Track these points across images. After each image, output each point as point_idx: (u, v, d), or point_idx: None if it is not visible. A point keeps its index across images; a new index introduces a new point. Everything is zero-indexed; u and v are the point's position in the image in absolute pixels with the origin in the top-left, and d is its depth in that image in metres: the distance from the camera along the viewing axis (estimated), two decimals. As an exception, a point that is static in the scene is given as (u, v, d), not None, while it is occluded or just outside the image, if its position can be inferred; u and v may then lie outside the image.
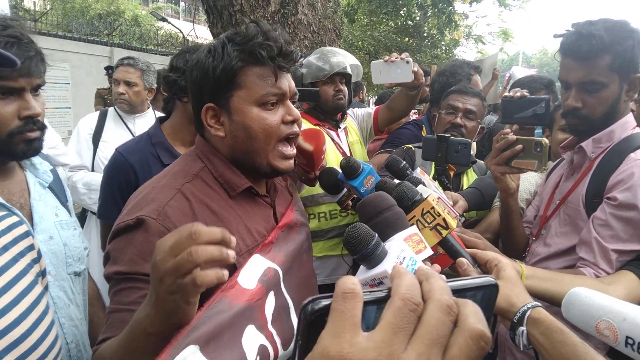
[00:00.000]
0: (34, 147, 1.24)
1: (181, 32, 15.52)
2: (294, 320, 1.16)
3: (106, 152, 2.74)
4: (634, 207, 1.36)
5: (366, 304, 0.40)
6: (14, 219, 0.93)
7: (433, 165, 2.02)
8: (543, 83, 2.43)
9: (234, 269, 0.99)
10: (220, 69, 1.11)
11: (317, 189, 1.93)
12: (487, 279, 0.47)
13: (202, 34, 16.19)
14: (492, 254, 1.01)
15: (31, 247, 0.92)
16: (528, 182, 1.93)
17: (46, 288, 1.03)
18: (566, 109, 1.56)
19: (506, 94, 1.89)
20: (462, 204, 1.76)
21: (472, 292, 0.45)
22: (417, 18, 14.15)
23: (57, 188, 1.42)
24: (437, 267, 0.93)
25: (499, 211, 1.73)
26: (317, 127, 2.29)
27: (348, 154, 2.50)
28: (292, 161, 1.21)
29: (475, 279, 0.46)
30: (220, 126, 1.15)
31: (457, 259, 0.98)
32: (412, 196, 1.02)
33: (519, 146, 1.55)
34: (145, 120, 3.03)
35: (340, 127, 2.54)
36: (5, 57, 0.72)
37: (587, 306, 0.80)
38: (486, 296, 0.47)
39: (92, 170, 2.73)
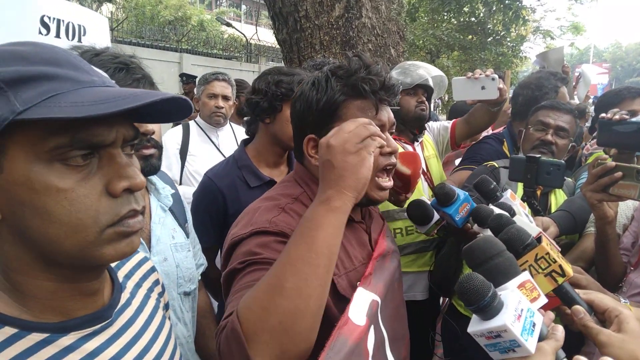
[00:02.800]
0: (151, 165, 1.29)
1: (244, 35, 15.98)
2: (389, 354, 1.17)
3: (195, 165, 2.88)
4: None
5: None
6: (141, 255, 1.00)
7: (519, 186, 1.97)
8: (637, 91, 2.29)
9: (345, 302, 1.02)
10: (323, 102, 1.15)
11: (393, 205, 1.94)
12: None
13: (264, 37, 16.56)
14: (612, 303, 0.98)
15: (157, 282, 0.98)
16: (626, 205, 1.83)
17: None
18: None
19: (603, 114, 1.80)
20: (554, 230, 1.70)
21: None
22: (481, 14, 13.70)
23: (177, 210, 1.49)
24: (552, 315, 0.92)
25: (595, 239, 1.66)
26: (414, 151, 2.29)
27: (425, 169, 2.48)
28: (387, 192, 1.23)
29: None
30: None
31: (573, 307, 0.96)
32: (523, 240, 1.00)
33: (619, 173, 1.48)
34: (227, 134, 3.16)
35: (417, 141, 2.53)
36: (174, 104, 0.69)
37: None
38: None
39: (180, 184, 2.88)
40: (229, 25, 16.45)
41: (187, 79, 7.74)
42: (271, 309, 0.83)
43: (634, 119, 1.76)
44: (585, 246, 1.83)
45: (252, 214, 1.15)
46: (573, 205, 1.91)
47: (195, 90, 3.23)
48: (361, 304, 1.07)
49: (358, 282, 1.13)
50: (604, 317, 0.97)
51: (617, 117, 1.72)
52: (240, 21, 30.47)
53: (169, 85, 9.12)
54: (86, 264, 0.69)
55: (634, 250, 1.69)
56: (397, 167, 1.38)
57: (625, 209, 1.84)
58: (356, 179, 0.94)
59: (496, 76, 2.14)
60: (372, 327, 1.12)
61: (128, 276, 0.90)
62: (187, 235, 1.52)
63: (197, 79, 3.17)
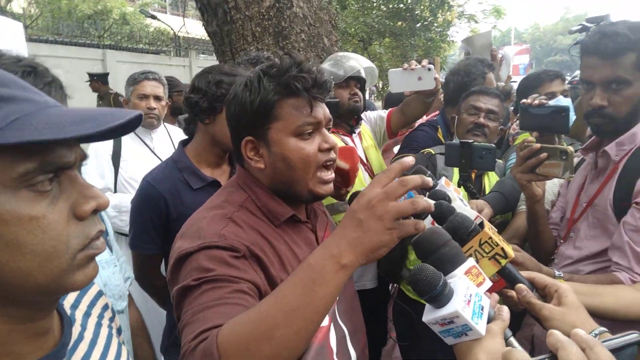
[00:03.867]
0: None
1: (172, 29, 15.38)
2: (350, 348, 1.19)
3: (130, 171, 2.73)
4: (665, 212, 1.39)
5: None
6: None
7: (455, 170, 2.05)
8: (554, 73, 2.44)
9: None
10: (257, 103, 1.14)
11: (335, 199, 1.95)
12: (636, 336, 0.52)
13: (192, 29, 16.01)
14: (550, 279, 1.04)
15: (106, 307, 0.92)
16: (552, 183, 1.96)
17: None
18: (590, 108, 1.57)
19: (524, 100, 1.90)
20: (488, 211, 1.79)
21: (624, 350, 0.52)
22: (409, 1, 14.06)
23: None
24: (496, 296, 0.96)
25: (526, 216, 1.77)
26: (350, 146, 2.31)
27: (364, 160, 2.52)
28: (331, 185, 1.24)
29: (628, 337, 0.52)
30: (259, 158, 1.18)
31: (517, 286, 1.02)
32: (467, 227, 1.04)
33: (544, 154, 1.57)
34: (161, 135, 3.02)
35: (354, 132, 2.56)
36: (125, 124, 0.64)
37: None
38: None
39: (115, 191, 2.73)
40: (154, 18, 15.78)
41: (97, 78, 7.39)
42: (256, 353, 0.81)
43: (551, 102, 1.87)
44: (518, 224, 1.94)
45: (198, 225, 1.11)
46: (504, 186, 2.03)
47: (124, 91, 3.05)
48: None
49: None
50: (544, 293, 1.03)
51: (536, 102, 1.83)
52: (165, 12, 29.29)
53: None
54: (52, 297, 0.66)
55: (562, 224, 1.81)
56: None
57: (551, 186, 1.96)
58: (374, 251, 0.88)
59: (432, 66, 2.19)
60: (332, 325, 1.14)
61: (75, 306, 0.84)
62: (111, 249, 1.44)
63: (126, 79, 2.99)
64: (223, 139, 1.86)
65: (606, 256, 1.54)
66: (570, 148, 1.52)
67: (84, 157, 0.68)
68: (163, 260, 1.99)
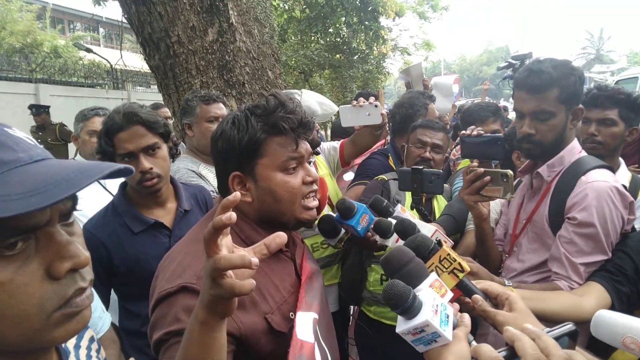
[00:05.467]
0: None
1: (108, 62, 15.02)
2: None
3: (82, 208, 2.65)
4: (592, 225, 1.59)
5: None
6: None
7: (407, 195, 2.20)
8: (490, 110, 2.71)
9: (281, 337, 1.08)
10: (245, 141, 1.21)
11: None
12: (570, 326, 0.66)
13: (129, 61, 15.70)
14: (501, 288, 1.17)
15: (92, 339, 0.93)
16: (495, 203, 2.15)
17: None
18: (521, 135, 1.78)
19: (463, 132, 2.10)
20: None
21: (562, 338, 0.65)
22: (345, 35, 14.69)
23: None
24: (457, 306, 1.08)
25: (475, 234, 1.93)
26: (320, 176, 2.41)
27: (320, 188, 2.63)
28: (315, 211, 1.32)
29: (565, 327, 0.66)
30: (246, 192, 1.25)
31: (473, 296, 1.14)
32: (428, 245, 1.16)
33: (487, 177, 1.75)
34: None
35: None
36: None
37: (612, 326, 0.97)
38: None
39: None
40: (89, 51, 15.33)
41: (36, 110, 7.14)
42: None
43: (487, 134, 2.08)
44: (468, 242, 2.11)
45: (178, 261, 1.14)
46: (452, 209, 2.20)
47: (73, 127, 2.99)
48: (305, 323, 1.15)
49: (292, 314, 1.20)
50: (496, 301, 1.16)
51: (475, 132, 2.03)
52: (99, 45, 28.58)
53: (24, 120, 8.20)
54: (36, 348, 0.65)
55: (506, 240, 1.99)
56: None
57: (494, 206, 2.16)
58: (215, 305, 0.85)
59: (378, 103, 2.36)
60: (316, 344, 1.20)
61: None
62: None
63: (75, 115, 2.94)
64: (165, 176, 1.88)
65: (546, 267, 1.72)
66: (510, 171, 1.71)
67: (70, 208, 0.66)
68: None
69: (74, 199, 0.67)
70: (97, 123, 2.86)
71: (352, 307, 2.66)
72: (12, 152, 0.60)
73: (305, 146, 1.28)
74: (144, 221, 1.87)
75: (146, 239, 1.88)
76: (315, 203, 1.31)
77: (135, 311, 1.88)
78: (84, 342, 0.90)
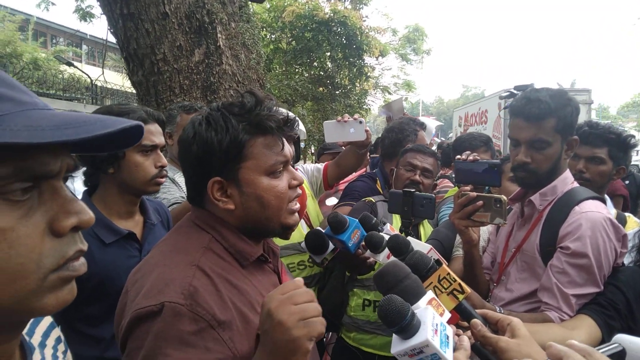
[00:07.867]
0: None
1: (89, 76, 14.83)
2: None
3: None
4: (585, 255, 1.56)
5: None
6: None
7: (396, 218, 2.15)
8: (482, 140, 2.74)
9: None
10: (227, 143, 1.09)
11: (282, 242, 1.95)
12: (617, 346, 0.61)
13: (109, 78, 15.55)
14: (502, 315, 1.11)
15: (59, 339, 0.82)
16: (482, 230, 2.11)
17: None
18: (516, 163, 1.76)
19: (458, 156, 2.08)
20: None
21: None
22: (330, 69, 14.98)
23: None
24: (454, 328, 1.01)
25: (463, 260, 1.88)
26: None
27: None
28: (297, 215, 1.23)
29: (612, 346, 0.59)
30: (227, 199, 1.13)
31: (472, 321, 1.07)
32: (426, 263, 1.10)
33: (480, 202, 1.71)
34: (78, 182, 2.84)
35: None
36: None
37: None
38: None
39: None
40: (70, 64, 15.12)
41: None
42: None
43: (484, 160, 2.07)
44: (455, 268, 2.05)
45: (157, 273, 1.02)
46: (440, 234, 2.16)
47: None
48: None
49: None
50: (496, 327, 1.09)
51: (471, 157, 2.01)
52: (81, 61, 28.32)
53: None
54: (17, 319, 0.58)
55: (494, 268, 1.94)
56: None
57: (482, 233, 2.12)
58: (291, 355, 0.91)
59: (363, 120, 2.34)
60: None
61: (29, 334, 0.75)
62: None
63: None
64: (134, 184, 1.77)
65: (536, 297, 1.67)
66: (504, 197, 1.68)
67: (74, 167, 0.61)
68: None
69: (75, 161, 0.62)
70: None
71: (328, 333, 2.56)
72: (28, 96, 0.57)
73: (288, 147, 1.19)
74: (117, 231, 1.74)
75: (117, 250, 1.75)
76: (298, 206, 1.22)
77: (97, 335, 1.70)
78: (50, 342, 0.80)
